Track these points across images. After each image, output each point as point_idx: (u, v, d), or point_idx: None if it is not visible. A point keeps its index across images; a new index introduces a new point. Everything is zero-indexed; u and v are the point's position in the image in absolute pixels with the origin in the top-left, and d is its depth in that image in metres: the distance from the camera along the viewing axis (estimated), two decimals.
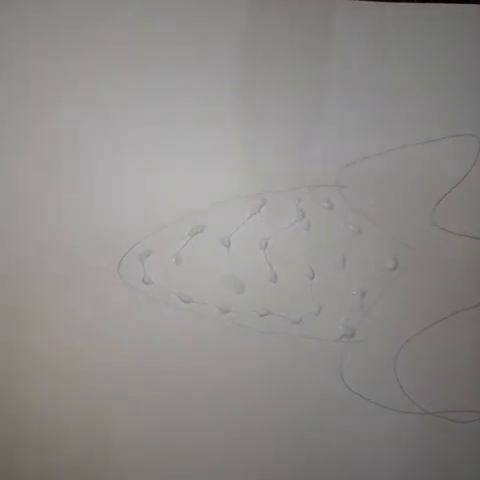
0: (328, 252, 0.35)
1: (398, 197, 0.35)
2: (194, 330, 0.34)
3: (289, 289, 0.35)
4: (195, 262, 0.35)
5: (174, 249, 0.35)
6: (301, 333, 0.35)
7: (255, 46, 0.36)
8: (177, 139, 0.35)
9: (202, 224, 0.35)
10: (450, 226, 0.35)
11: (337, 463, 0.34)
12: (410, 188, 0.35)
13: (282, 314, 0.35)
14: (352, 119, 0.35)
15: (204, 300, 0.34)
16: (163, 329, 0.34)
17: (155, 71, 0.36)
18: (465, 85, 0.35)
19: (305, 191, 0.35)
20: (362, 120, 0.35)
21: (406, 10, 0.36)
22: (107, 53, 0.35)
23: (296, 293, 0.35)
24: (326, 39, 0.36)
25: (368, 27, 0.36)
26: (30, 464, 0.34)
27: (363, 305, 0.35)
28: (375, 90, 0.36)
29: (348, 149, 0.35)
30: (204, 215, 0.35)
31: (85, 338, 0.34)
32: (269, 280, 0.35)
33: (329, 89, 0.35)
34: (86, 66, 0.35)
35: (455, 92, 0.36)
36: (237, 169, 0.35)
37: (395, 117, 0.36)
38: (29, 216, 0.35)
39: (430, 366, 0.34)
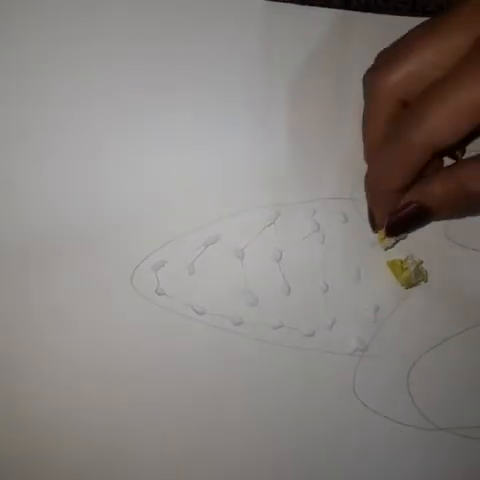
0: (342, 265, 0.35)
1: None
2: (207, 342, 0.34)
3: (303, 302, 0.35)
4: (209, 273, 0.35)
5: (188, 260, 0.35)
6: (314, 346, 0.34)
7: (270, 65, 0.36)
8: (191, 151, 0.35)
9: (216, 235, 0.35)
10: (464, 241, 0.35)
11: (349, 477, 0.34)
12: None
13: (295, 327, 0.34)
14: None
15: (217, 312, 0.34)
16: (176, 340, 0.34)
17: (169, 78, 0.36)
18: None
19: (320, 204, 0.35)
20: None
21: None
22: (107, 42, 0.35)
23: (310, 306, 0.35)
24: (343, 52, 0.36)
25: (383, 40, 0.36)
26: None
27: (377, 319, 0.35)
28: None
29: (363, 162, 0.35)
30: (218, 226, 0.35)
31: (97, 348, 0.34)
32: (283, 293, 0.35)
33: (345, 102, 0.35)
34: (85, 61, 0.35)
35: None
36: (252, 181, 0.35)
37: None
38: (42, 223, 0.35)
39: (444, 382, 0.34)
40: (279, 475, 0.34)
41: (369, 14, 0.36)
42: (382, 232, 0.33)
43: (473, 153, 0.32)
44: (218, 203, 0.35)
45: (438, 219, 0.32)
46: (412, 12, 0.37)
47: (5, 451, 0.33)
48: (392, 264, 0.35)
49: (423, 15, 0.36)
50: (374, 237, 0.35)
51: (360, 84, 0.32)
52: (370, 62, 0.34)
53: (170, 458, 0.34)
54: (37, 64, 0.35)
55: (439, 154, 0.30)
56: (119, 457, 0.34)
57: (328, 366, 0.34)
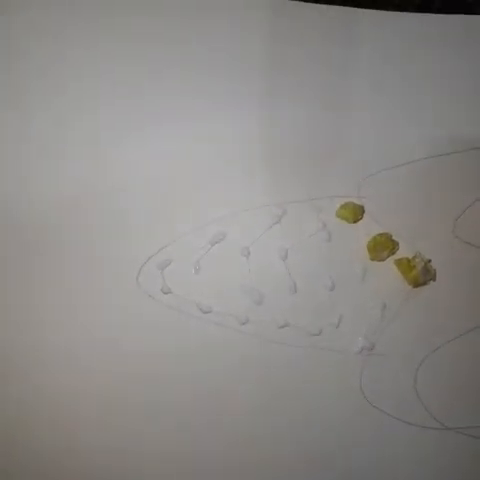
0: (348, 263, 0.35)
1: (420, 209, 0.35)
2: (212, 340, 0.34)
3: (309, 300, 0.35)
4: (214, 272, 0.35)
5: (194, 258, 0.35)
6: (320, 345, 0.34)
7: (276, 63, 0.36)
8: (199, 149, 0.35)
9: (222, 234, 0.35)
10: (472, 239, 0.35)
11: (355, 477, 0.34)
12: (432, 200, 0.35)
13: (301, 325, 0.34)
14: (374, 131, 0.35)
15: (223, 310, 0.34)
16: (181, 339, 0.34)
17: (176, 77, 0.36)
18: None
19: (326, 202, 0.35)
20: (384, 132, 0.35)
21: (425, 21, 0.36)
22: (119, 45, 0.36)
23: (316, 304, 0.35)
24: (348, 50, 0.36)
25: (389, 40, 0.36)
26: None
27: (384, 317, 0.34)
28: (396, 104, 0.36)
29: (370, 160, 0.35)
30: (224, 225, 0.35)
31: (102, 346, 0.34)
32: (289, 291, 0.35)
33: (351, 102, 0.35)
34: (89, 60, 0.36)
35: (476, 105, 0.36)
36: (258, 179, 0.35)
37: (417, 130, 0.35)
38: (48, 222, 0.35)
39: (451, 381, 0.34)
40: (282, 474, 0.34)
41: (370, 13, 0.36)
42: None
43: None
44: (224, 201, 0.35)
45: None
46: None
47: (6, 450, 0.34)
48: (399, 262, 0.34)
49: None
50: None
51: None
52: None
53: (173, 457, 0.34)
54: (64, 68, 0.36)
55: None
56: (120, 456, 0.34)
57: (334, 365, 0.34)
